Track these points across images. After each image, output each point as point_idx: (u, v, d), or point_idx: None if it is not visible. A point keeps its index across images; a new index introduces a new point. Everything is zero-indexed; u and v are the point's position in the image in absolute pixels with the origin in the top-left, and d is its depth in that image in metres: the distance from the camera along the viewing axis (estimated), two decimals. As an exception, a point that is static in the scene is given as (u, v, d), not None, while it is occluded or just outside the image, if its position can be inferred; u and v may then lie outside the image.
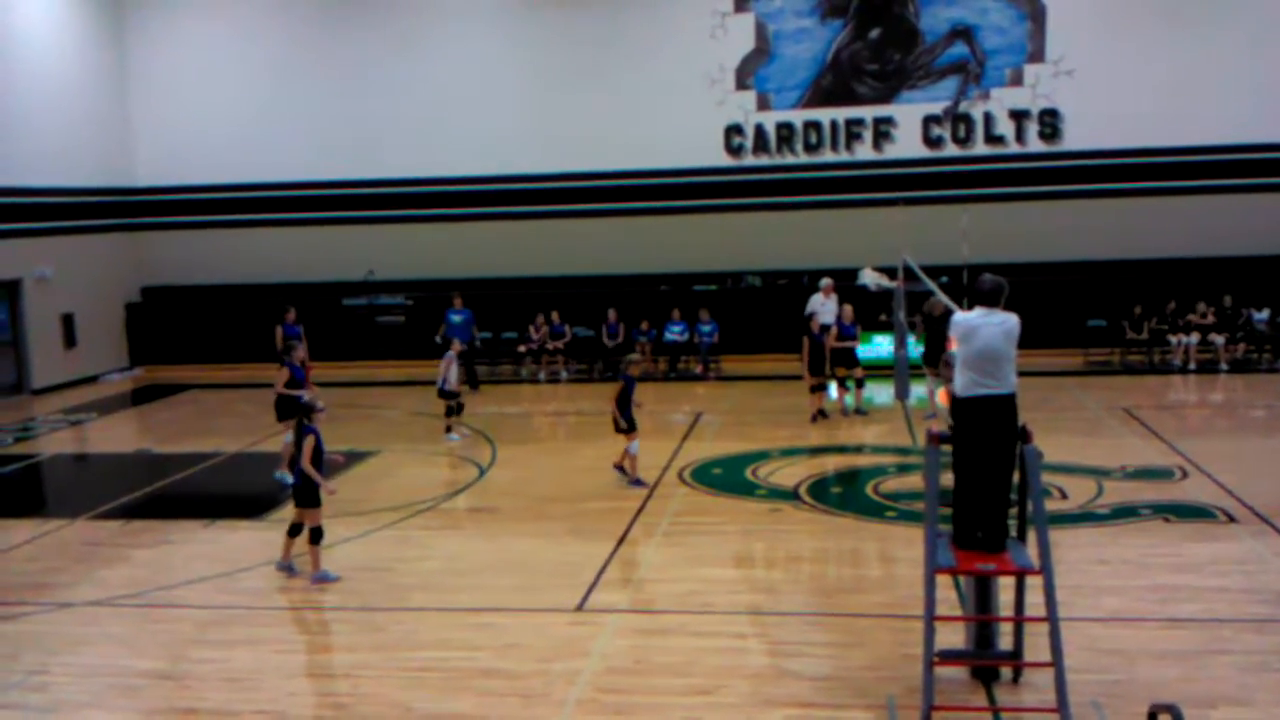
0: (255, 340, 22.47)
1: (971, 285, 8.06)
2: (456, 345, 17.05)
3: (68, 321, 23.33)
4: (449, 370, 16.54)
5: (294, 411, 13.94)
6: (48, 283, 22.71)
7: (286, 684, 8.56)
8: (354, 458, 15.87)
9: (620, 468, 14.06)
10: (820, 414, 17.35)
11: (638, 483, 13.83)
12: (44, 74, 22.77)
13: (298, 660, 9.07)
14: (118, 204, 25.09)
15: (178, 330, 25.12)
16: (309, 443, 10.72)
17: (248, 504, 13.76)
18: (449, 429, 16.76)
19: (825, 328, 17.83)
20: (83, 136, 23.87)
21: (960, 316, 7.87)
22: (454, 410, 16.78)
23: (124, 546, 12.26)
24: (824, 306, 19.47)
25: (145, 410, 21.40)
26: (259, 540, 12.43)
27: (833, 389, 18.06)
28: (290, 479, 13.96)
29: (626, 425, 13.90)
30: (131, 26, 25.18)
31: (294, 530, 10.99)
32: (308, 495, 10.77)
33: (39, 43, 22.72)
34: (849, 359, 17.75)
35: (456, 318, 21.17)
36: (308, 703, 8.24)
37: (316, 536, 10.83)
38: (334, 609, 10.19)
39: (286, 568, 11.03)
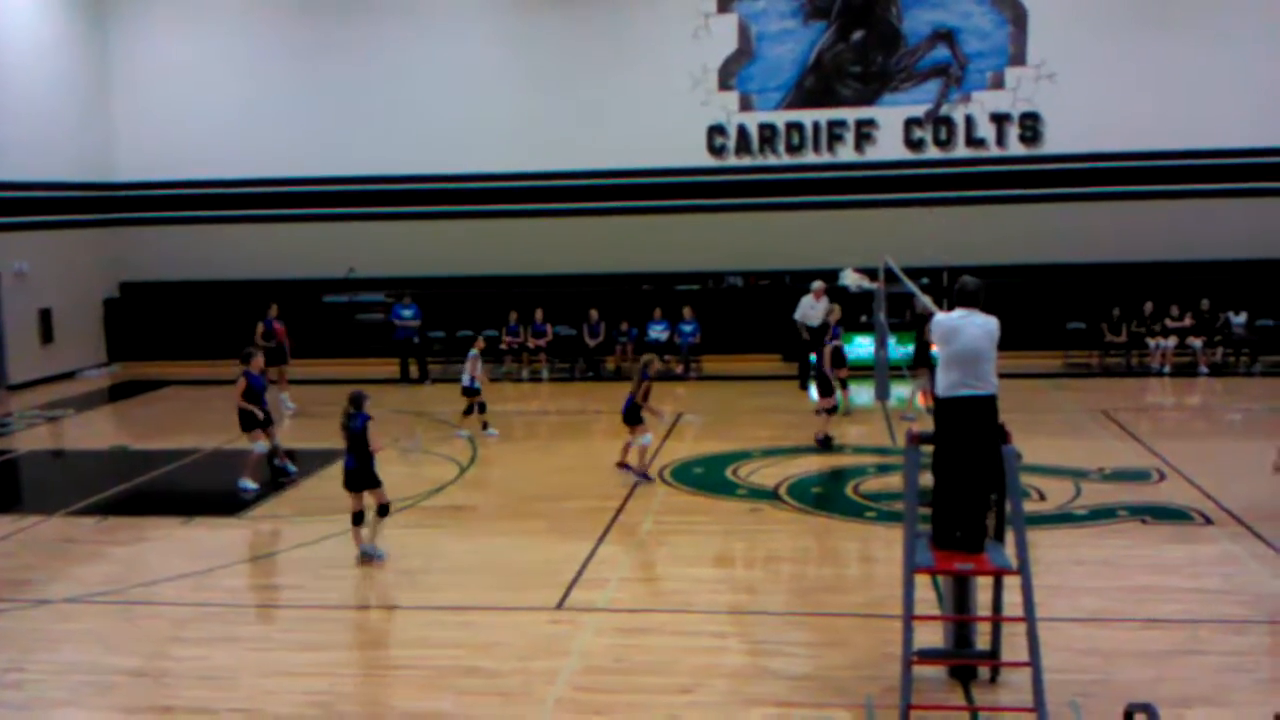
0: (234, 337, 22.23)
1: (952, 286, 8.10)
2: (480, 343, 17.05)
3: (45, 316, 23.14)
4: (474, 368, 16.55)
5: (255, 422, 14.00)
6: (25, 277, 22.53)
7: (264, 682, 8.52)
8: (333, 456, 15.79)
9: (626, 465, 14.05)
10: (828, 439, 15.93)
11: (646, 476, 13.89)
12: (25, 67, 22.58)
13: (276, 658, 9.02)
14: (97, 199, 24.92)
15: (156, 326, 24.96)
16: (372, 430, 11.17)
17: (226, 501, 13.68)
18: (485, 425, 16.74)
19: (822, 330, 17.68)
20: (63, 131, 23.68)
21: (942, 317, 7.90)
22: (476, 408, 16.73)
23: (101, 543, 12.18)
24: (813, 309, 19.54)
25: (123, 406, 21.27)
26: (237, 538, 12.39)
27: (813, 390, 18.07)
28: (255, 487, 13.96)
29: (640, 419, 13.91)
30: (113, 21, 25.00)
31: (358, 519, 11.22)
32: (371, 477, 11.19)
33: (20, 36, 22.53)
34: (836, 359, 17.71)
35: (406, 312, 21.88)
36: (286, 700, 8.20)
37: (384, 511, 11.32)
38: (313, 606, 10.15)
39: (371, 554, 11.17)
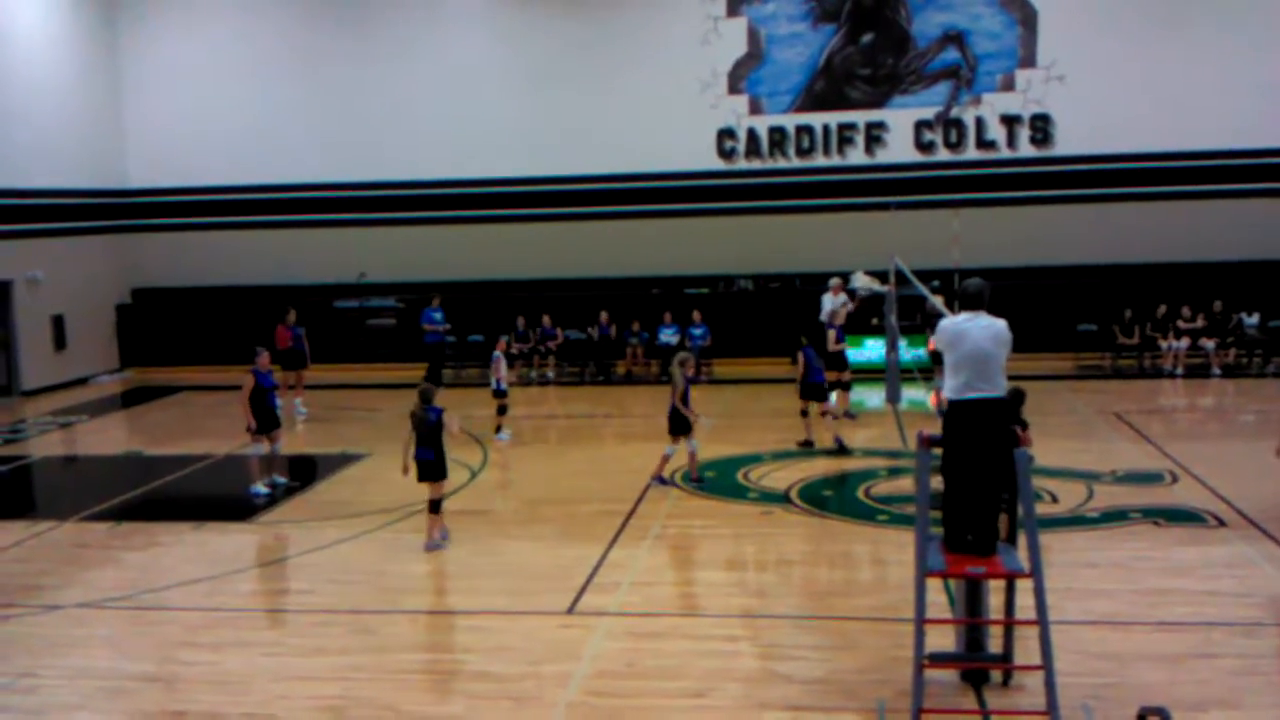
0: (246, 342, 22.30)
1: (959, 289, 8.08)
2: (502, 344, 17.19)
3: (58, 323, 23.25)
4: (500, 369, 16.69)
5: (271, 423, 14.07)
6: (38, 284, 22.64)
7: (276, 686, 8.53)
8: (346, 460, 15.85)
9: (699, 479, 14.02)
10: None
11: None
12: (36, 75, 22.71)
13: (288, 663, 9.03)
14: (109, 206, 25.02)
15: (168, 332, 25.06)
16: (447, 418, 11.79)
17: (238, 506, 13.71)
18: (499, 428, 16.84)
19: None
20: (74, 138, 23.82)
21: (948, 321, 7.89)
22: (504, 410, 16.86)
23: (113, 549, 12.22)
24: (834, 304, 19.64)
25: (135, 412, 21.34)
26: (249, 543, 12.41)
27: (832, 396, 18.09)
28: (266, 492, 14.00)
29: (687, 426, 13.90)
30: (124, 28, 25.13)
31: (437, 506, 11.76)
32: (443, 469, 11.75)
33: (31, 44, 22.66)
34: (840, 362, 17.76)
35: (437, 315, 21.73)
36: (298, 705, 8.21)
37: (436, 507, 11.75)
38: (325, 611, 10.16)
39: (434, 546, 11.74)
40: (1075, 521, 12.02)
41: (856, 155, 23.61)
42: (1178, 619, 9.23)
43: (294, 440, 16.70)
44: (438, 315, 21.74)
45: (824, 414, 15.90)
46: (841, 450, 15.46)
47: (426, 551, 11.63)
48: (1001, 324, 7.76)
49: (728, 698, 8.06)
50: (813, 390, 15.69)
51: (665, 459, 14.03)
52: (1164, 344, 21.36)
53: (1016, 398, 11.38)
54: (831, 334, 17.89)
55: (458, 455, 15.88)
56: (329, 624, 9.87)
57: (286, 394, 18.19)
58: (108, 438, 19.03)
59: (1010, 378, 7.99)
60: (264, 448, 14.27)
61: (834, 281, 20.17)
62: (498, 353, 16.83)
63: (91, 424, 19.85)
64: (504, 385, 16.75)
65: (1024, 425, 11.32)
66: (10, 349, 22.25)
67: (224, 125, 24.80)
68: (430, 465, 11.71)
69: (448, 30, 24.31)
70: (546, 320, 22.89)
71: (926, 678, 7.43)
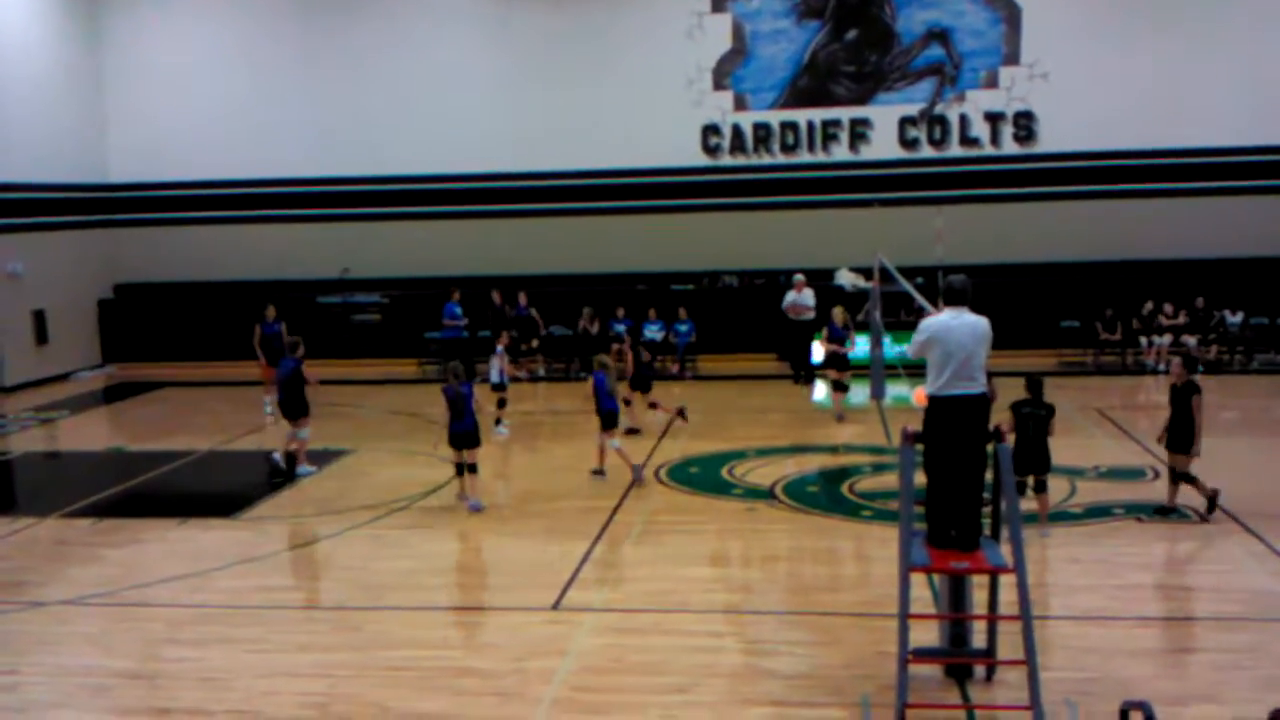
0: (229, 338, 22.36)
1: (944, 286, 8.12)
2: (504, 339, 17.26)
3: (39, 318, 23.11)
4: (502, 363, 16.75)
5: (306, 408, 14.65)
6: (19, 279, 22.49)
7: (261, 683, 8.51)
8: (329, 456, 15.80)
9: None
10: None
11: (600, 472, 14.00)
12: (17, 68, 22.53)
13: (272, 659, 9.01)
14: (91, 200, 24.88)
15: (150, 327, 24.92)
16: (478, 395, 13.15)
17: (221, 502, 13.67)
18: (498, 421, 16.84)
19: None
20: (56, 132, 23.64)
21: (932, 319, 7.93)
22: (503, 403, 16.89)
23: (96, 545, 12.16)
24: (795, 301, 20.03)
25: (117, 408, 21.24)
26: (232, 539, 12.36)
27: (818, 392, 18.18)
28: (311, 470, 14.65)
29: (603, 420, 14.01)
30: (106, 21, 24.97)
31: (461, 469, 13.02)
32: (478, 437, 13.07)
33: (12, 37, 22.49)
34: (842, 362, 17.78)
35: (458, 310, 21.44)
36: (282, 702, 8.20)
37: (475, 469, 13.04)
38: (309, 608, 10.15)
39: (478, 507, 12.83)
40: (1058, 517, 12.07)
41: (841, 152, 23.63)
42: (1160, 614, 9.30)
43: (277, 436, 16.63)
44: (459, 310, 21.37)
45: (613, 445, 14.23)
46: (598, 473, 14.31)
47: (470, 511, 12.69)
48: (983, 321, 7.81)
49: (712, 693, 8.08)
50: (608, 418, 14.18)
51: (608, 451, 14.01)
52: (1146, 340, 21.46)
53: (1037, 384, 11.60)
54: (824, 333, 18.02)
55: (445, 453, 15.89)
56: (314, 620, 9.86)
57: (270, 389, 18.11)
58: (89, 433, 18.94)
59: (994, 374, 8.02)
60: (308, 431, 14.75)
61: (798, 278, 20.49)
62: (500, 347, 16.85)
63: (73, 420, 19.74)
64: (505, 379, 16.77)
65: (1051, 410, 11.50)
66: (-10, 344, 22.13)
67: (207, 119, 24.66)
68: (466, 434, 12.89)
69: (432, 25, 24.22)
70: (523, 299, 22.53)
71: (911, 673, 7.46)
